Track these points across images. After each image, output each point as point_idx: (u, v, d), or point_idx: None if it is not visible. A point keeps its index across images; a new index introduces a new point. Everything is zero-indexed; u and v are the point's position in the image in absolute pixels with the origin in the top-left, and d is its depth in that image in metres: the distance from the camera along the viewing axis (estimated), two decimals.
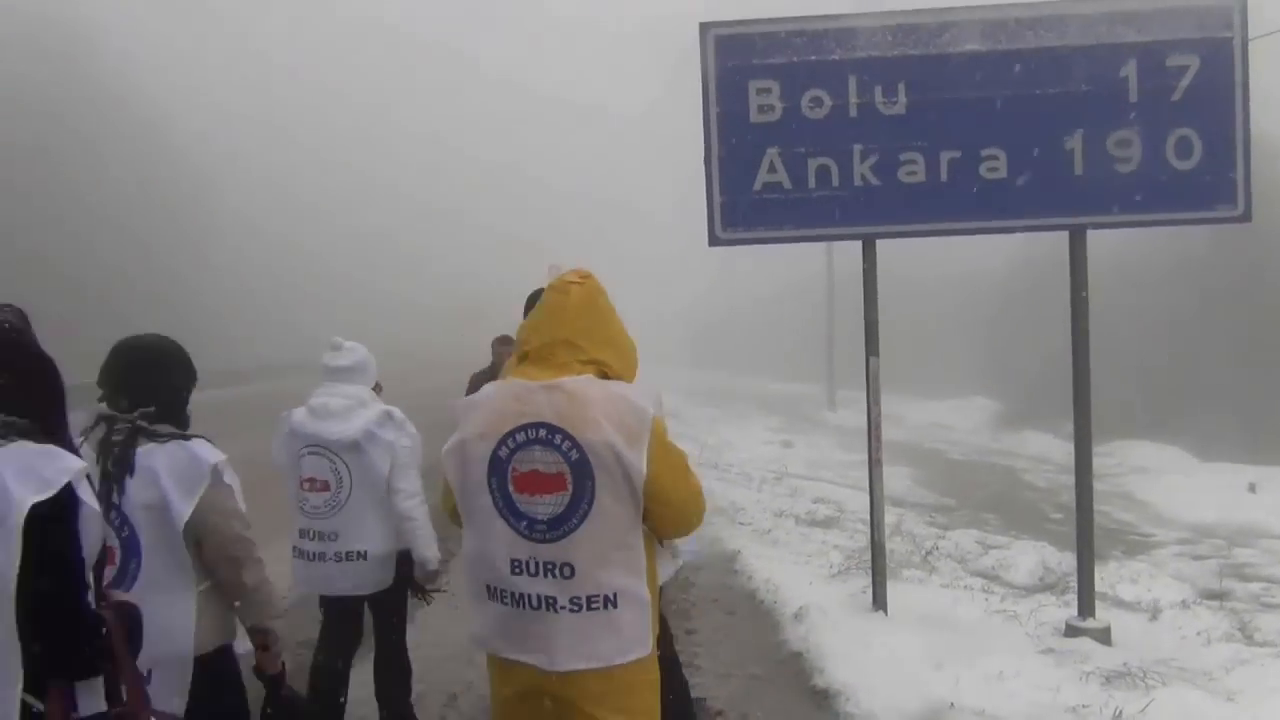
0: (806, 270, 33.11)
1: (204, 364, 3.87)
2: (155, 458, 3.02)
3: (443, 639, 6.22)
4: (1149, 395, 19.75)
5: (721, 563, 8.34)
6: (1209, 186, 6.04)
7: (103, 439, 3.03)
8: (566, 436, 2.68)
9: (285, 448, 4.65)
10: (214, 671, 3.10)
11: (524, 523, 2.73)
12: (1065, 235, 6.35)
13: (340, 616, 4.73)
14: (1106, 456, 17.13)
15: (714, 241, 6.37)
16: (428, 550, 4.60)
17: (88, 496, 2.14)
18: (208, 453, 3.07)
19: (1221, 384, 18.75)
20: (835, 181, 6.19)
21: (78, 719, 2.12)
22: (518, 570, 2.74)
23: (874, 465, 6.50)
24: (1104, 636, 6.22)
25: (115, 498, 2.95)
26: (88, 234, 30.10)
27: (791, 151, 6.19)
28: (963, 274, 28.97)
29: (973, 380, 28.16)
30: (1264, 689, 5.31)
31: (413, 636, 5.13)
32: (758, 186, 6.22)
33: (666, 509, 2.78)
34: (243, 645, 3.33)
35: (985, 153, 6.10)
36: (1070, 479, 6.48)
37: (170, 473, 3.01)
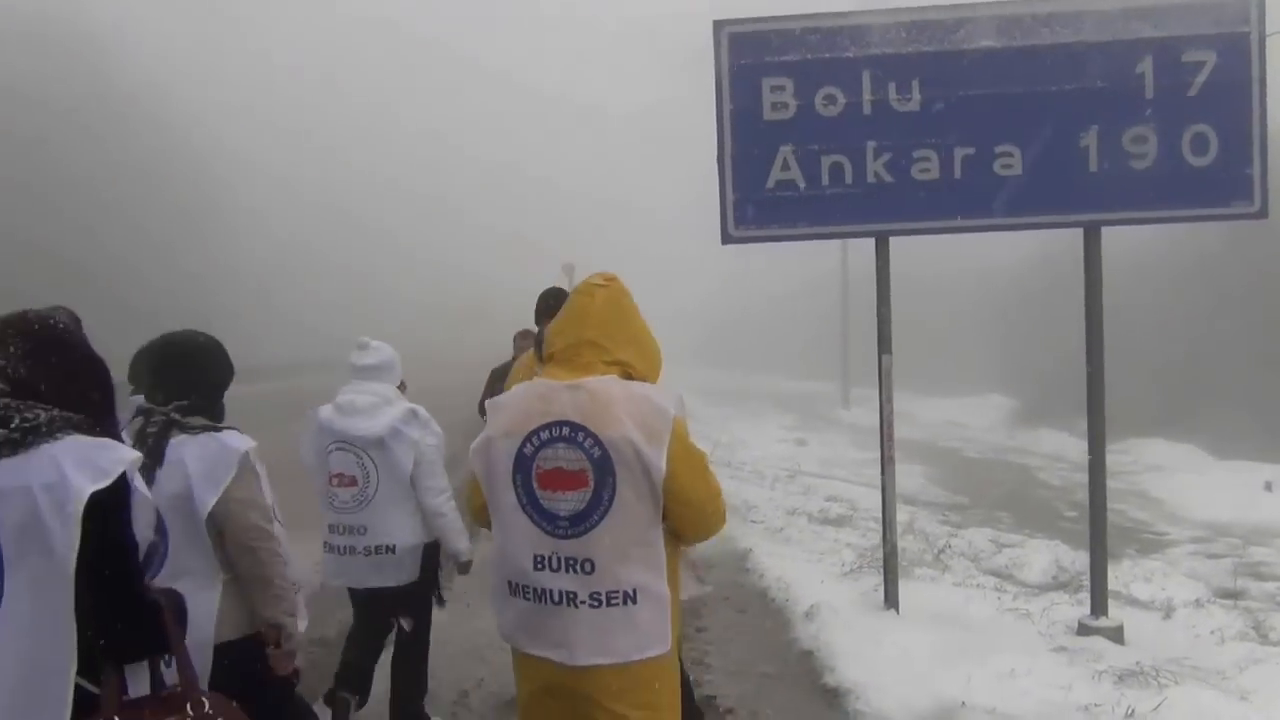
0: (821, 268, 33.08)
1: None
2: (186, 449, 3.11)
3: (454, 636, 6.25)
4: (1164, 393, 19.65)
5: (733, 561, 8.34)
6: (1225, 183, 5.99)
7: (139, 431, 3.14)
8: (589, 434, 2.75)
9: (313, 444, 4.75)
10: (234, 660, 3.13)
11: (547, 519, 2.79)
12: (1080, 232, 6.32)
13: (369, 610, 4.85)
14: (1121, 454, 17.07)
15: (727, 240, 6.36)
16: (460, 543, 4.77)
17: (140, 485, 2.26)
18: (237, 441, 3.16)
19: (1237, 382, 18.65)
20: (849, 179, 6.17)
21: (129, 700, 2.20)
22: (540, 566, 2.80)
23: (886, 463, 6.48)
24: (1117, 635, 6.20)
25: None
26: (96, 230, 30.25)
27: (805, 149, 6.18)
28: (978, 271, 28.91)
29: (988, 378, 28.10)
30: (1278, 688, 5.28)
31: None
32: (771, 184, 6.21)
33: (685, 508, 2.82)
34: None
35: (999, 149, 6.07)
36: (1085, 477, 6.45)
37: (198, 463, 3.09)
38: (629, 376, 2.89)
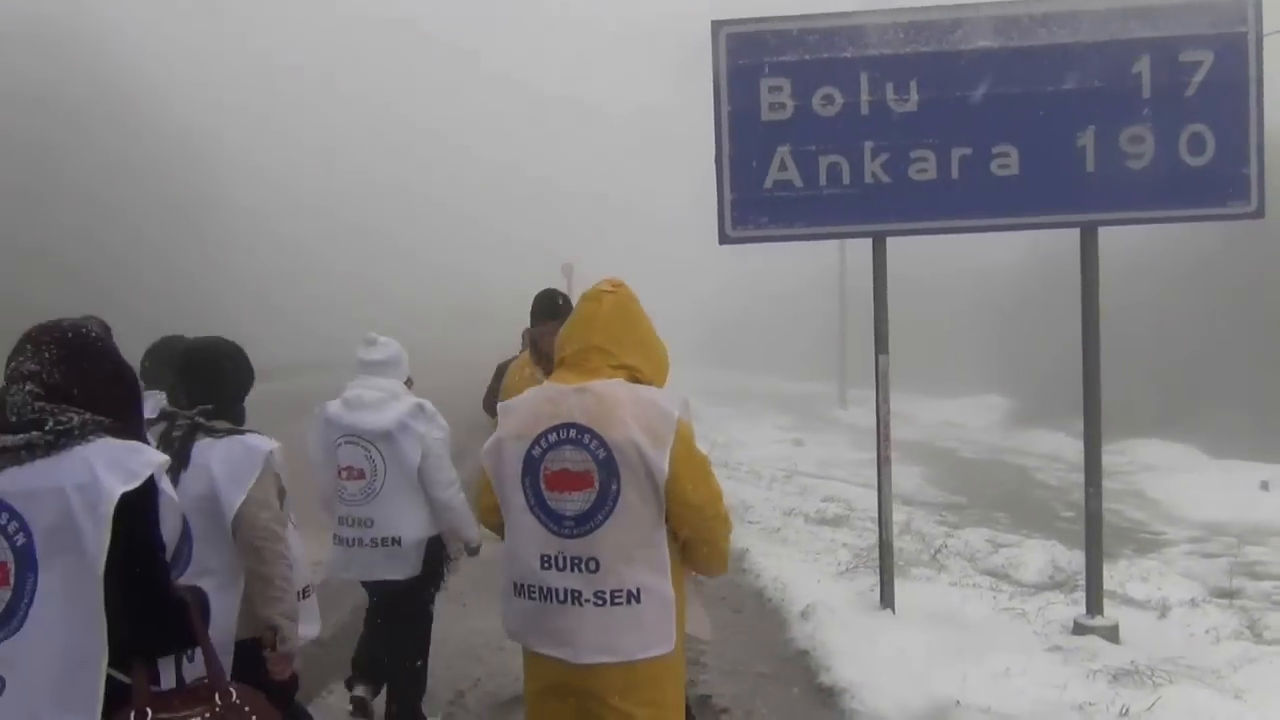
0: (819, 269, 33.08)
1: None
2: (211, 452, 3.21)
3: (450, 636, 6.25)
4: (1161, 393, 19.68)
5: (729, 561, 8.32)
6: (1222, 183, 6.00)
7: (163, 434, 3.23)
8: (595, 436, 2.83)
9: (321, 438, 4.82)
10: (256, 657, 3.17)
11: (554, 519, 2.87)
12: (1077, 232, 6.33)
13: (381, 603, 4.92)
14: (1118, 454, 17.08)
15: (724, 240, 6.37)
16: (470, 531, 4.84)
17: (167, 487, 2.37)
18: (261, 442, 3.27)
19: (1234, 382, 18.68)
20: (846, 179, 6.18)
21: (158, 692, 2.31)
22: (546, 565, 2.88)
23: (883, 463, 6.49)
24: (1112, 634, 6.21)
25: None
26: (94, 231, 30.21)
27: (802, 149, 6.18)
28: (976, 272, 28.93)
29: (985, 378, 28.12)
30: (1272, 687, 5.29)
31: None
32: (768, 184, 6.21)
33: (686, 510, 2.87)
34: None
35: (997, 150, 6.08)
36: (1081, 477, 6.46)
37: (223, 465, 3.18)
38: (636, 380, 2.97)
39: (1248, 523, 12.19)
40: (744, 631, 6.66)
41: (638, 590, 2.84)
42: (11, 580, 2.19)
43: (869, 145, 6.14)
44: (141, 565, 2.26)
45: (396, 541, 4.71)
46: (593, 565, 2.83)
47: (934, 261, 25.08)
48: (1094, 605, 6.36)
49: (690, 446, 2.89)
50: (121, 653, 2.23)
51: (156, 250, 34.15)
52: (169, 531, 2.37)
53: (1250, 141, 5.96)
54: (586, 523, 2.84)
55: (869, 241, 6.51)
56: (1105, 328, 6.37)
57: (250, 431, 3.34)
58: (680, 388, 3.19)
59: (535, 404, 2.97)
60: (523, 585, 2.93)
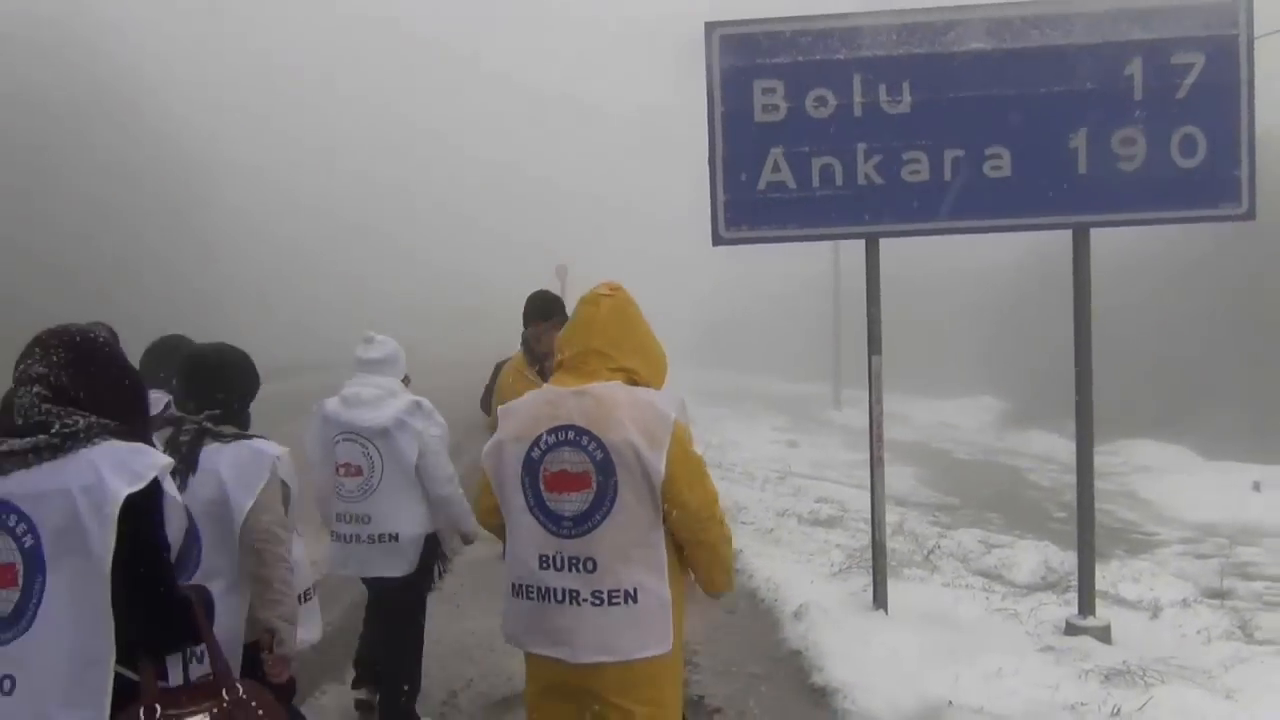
0: (813, 270, 33.10)
1: None
2: (219, 457, 3.25)
3: (443, 637, 6.25)
4: (1154, 394, 19.73)
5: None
6: (1213, 185, 6.01)
7: (170, 438, 3.27)
8: (592, 438, 2.88)
9: (319, 435, 4.86)
10: (255, 661, 3.20)
11: (552, 520, 2.91)
12: (1070, 234, 6.35)
13: (382, 599, 4.95)
14: (1111, 455, 17.13)
15: (717, 241, 6.38)
16: (468, 523, 4.88)
17: (171, 489, 2.41)
18: (269, 448, 3.31)
19: (1227, 383, 18.74)
20: (839, 181, 6.18)
21: (165, 688, 2.36)
22: (545, 565, 2.92)
23: (875, 464, 6.50)
24: (1104, 635, 6.22)
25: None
26: (92, 233, 30.15)
27: (795, 151, 6.19)
28: (970, 273, 28.98)
29: (979, 380, 28.17)
30: (1263, 687, 5.31)
31: None
32: (762, 186, 6.22)
33: (682, 511, 2.91)
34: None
35: (989, 151, 6.09)
36: (1074, 478, 6.48)
37: (232, 469, 3.22)
38: (634, 382, 3.01)
39: (1240, 523, 12.24)
40: (737, 632, 6.67)
41: (635, 590, 2.87)
42: (20, 581, 2.23)
43: (862, 147, 6.15)
44: (146, 565, 2.30)
45: (394, 538, 4.74)
46: (590, 565, 2.87)
47: (929, 263, 25.15)
48: (1086, 606, 6.38)
49: (686, 449, 2.93)
50: (129, 651, 2.27)
51: (155, 252, 34.09)
52: (173, 532, 2.41)
53: (1241, 143, 5.98)
54: (584, 523, 2.88)
55: (863, 243, 6.52)
56: (1099, 329, 6.39)
57: (257, 437, 3.38)
58: (675, 388, 3.21)
59: (535, 406, 3.02)
60: (521, 586, 2.97)
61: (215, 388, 3.43)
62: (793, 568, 8.08)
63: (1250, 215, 6.05)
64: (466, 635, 6.52)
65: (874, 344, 6.51)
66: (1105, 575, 8.15)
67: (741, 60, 6.22)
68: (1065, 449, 16.11)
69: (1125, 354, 18.71)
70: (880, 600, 6.60)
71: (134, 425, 2.47)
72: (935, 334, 30.48)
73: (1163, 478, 15.69)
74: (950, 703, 5.14)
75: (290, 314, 44.16)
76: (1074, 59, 6.03)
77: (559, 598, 2.90)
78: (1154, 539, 11.69)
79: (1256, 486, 13.99)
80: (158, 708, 2.28)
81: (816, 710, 5.32)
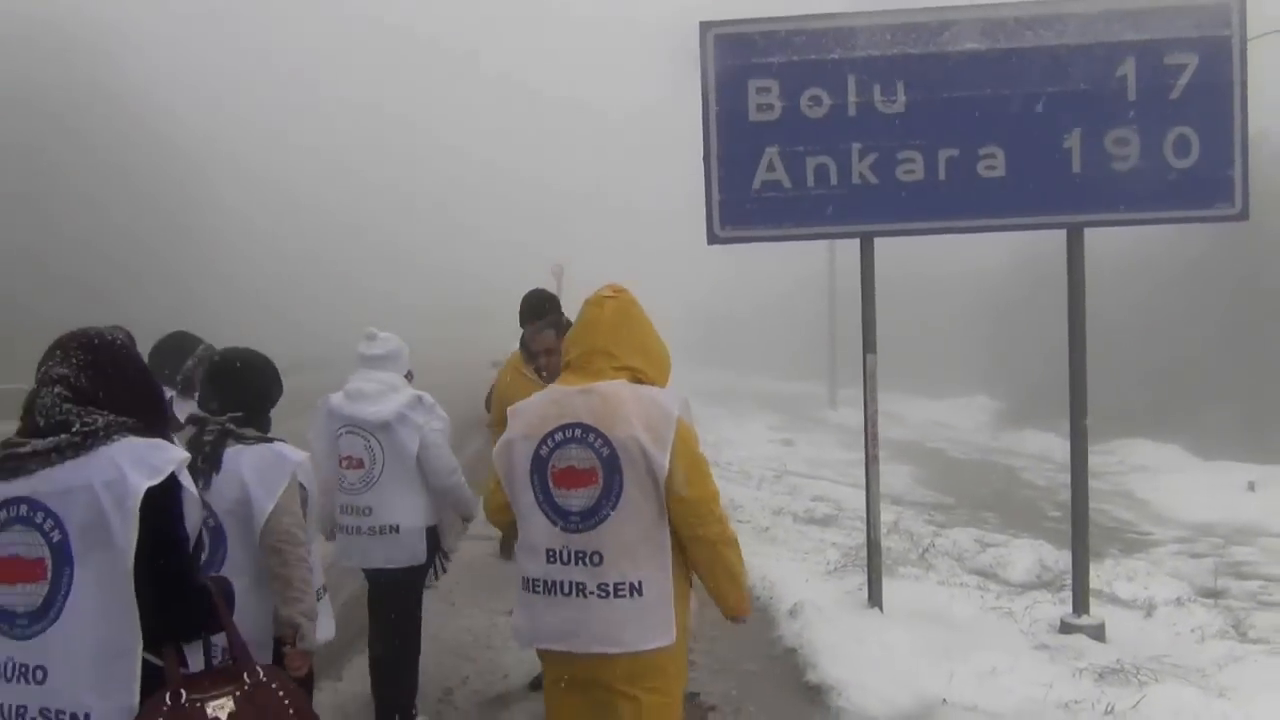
0: (809, 270, 33.14)
1: None
2: (241, 459, 3.34)
3: (440, 634, 6.26)
4: (1150, 394, 19.76)
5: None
6: (1207, 185, 6.04)
7: (193, 438, 3.36)
8: (599, 435, 2.98)
9: (323, 429, 4.94)
10: (277, 655, 3.27)
11: (560, 515, 3.01)
12: (1064, 234, 6.37)
13: (381, 592, 4.98)
14: (1107, 455, 17.17)
15: (713, 240, 6.39)
16: (471, 507, 5.01)
17: (188, 483, 2.48)
18: (291, 453, 3.41)
19: (1222, 382, 18.78)
20: (834, 180, 6.20)
21: (188, 674, 2.44)
22: (552, 559, 3.02)
23: (870, 463, 6.52)
24: (1098, 633, 6.25)
25: (202, 492, 3.12)
26: (90, 235, 30.14)
27: (790, 150, 6.21)
28: (965, 273, 29.02)
29: (975, 379, 28.22)
30: (1256, 685, 5.33)
31: None
32: (757, 185, 6.24)
33: (681, 505, 2.99)
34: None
35: (983, 151, 6.11)
36: (1069, 477, 6.50)
37: (255, 471, 3.31)
38: (639, 381, 3.11)
39: (1234, 523, 12.27)
40: (732, 629, 6.63)
41: (639, 583, 2.97)
42: (49, 575, 2.33)
43: (856, 146, 6.16)
44: (167, 555, 2.39)
45: (394, 529, 4.81)
46: (596, 559, 2.96)
47: (925, 263, 25.19)
48: (1080, 604, 6.40)
49: (689, 445, 3.02)
50: (151, 638, 2.36)
51: (153, 252, 34.09)
52: (191, 524, 2.49)
53: (1234, 144, 6.00)
54: (591, 518, 2.97)
55: (857, 242, 6.53)
56: (1094, 329, 6.40)
57: (278, 440, 3.47)
58: (673, 387, 3.25)
59: (542, 405, 3.11)
60: (530, 580, 3.08)
61: (239, 390, 3.53)
62: (788, 566, 8.09)
63: (1243, 215, 6.08)
64: (463, 633, 6.54)
65: (869, 344, 6.53)
66: (1100, 574, 8.17)
67: (736, 60, 6.23)
68: (1061, 448, 16.13)
69: (1121, 354, 18.76)
70: (875, 598, 6.62)
71: (151, 422, 2.56)
72: (931, 334, 30.53)
73: (1158, 477, 15.72)
74: (945, 700, 5.16)
75: (289, 313, 44.20)
76: (1068, 59, 6.06)
77: (566, 591, 2.99)
78: (1149, 538, 11.71)
79: (1251, 486, 14.02)
80: (183, 693, 2.37)
81: (811, 708, 5.34)
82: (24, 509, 2.36)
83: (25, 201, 27.31)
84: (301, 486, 3.43)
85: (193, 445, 3.29)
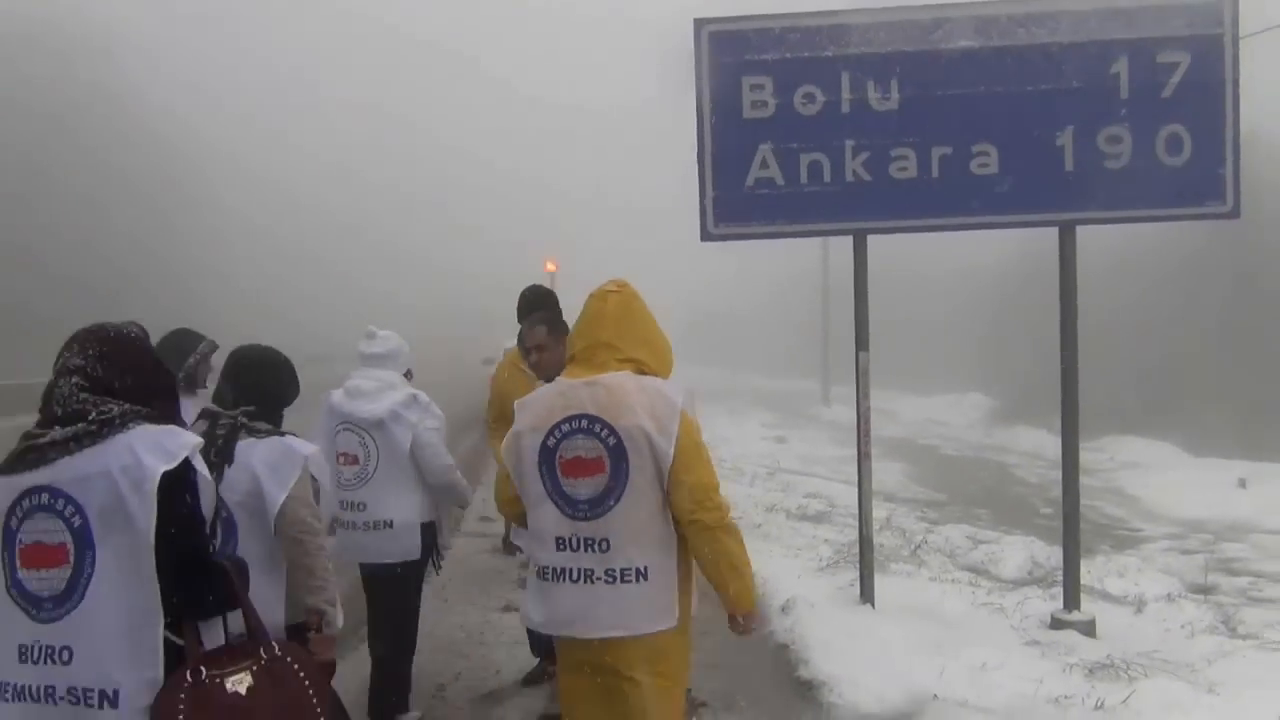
0: (803, 267, 33.18)
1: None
2: (254, 451, 3.41)
3: (433, 630, 6.27)
4: (1142, 391, 19.83)
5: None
6: (1198, 183, 6.05)
7: (206, 432, 3.41)
8: (605, 425, 3.08)
9: (324, 426, 5.03)
10: (301, 641, 3.31)
11: (568, 504, 3.12)
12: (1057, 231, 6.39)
13: (376, 587, 5.04)
14: (1098, 452, 17.23)
15: (706, 237, 6.40)
16: (466, 494, 5.25)
17: (201, 467, 2.58)
18: (302, 446, 3.50)
19: (1213, 380, 18.84)
20: (827, 177, 6.21)
21: (208, 651, 2.52)
22: (562, 547, 3.13)
23: (863, 459, 6.53)
24: (1089, 629, 6.27)
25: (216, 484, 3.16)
26: (86, 235, 30.09)
27: (784, 147, 6.21)
28: (959, 271, 29.08)
29: (968, 376, 28.27)
30: (1245, 680, 5.36)
31: None
32: (750, 182, 6.24)
33: (680, 490, 3.08)
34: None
35: (976, 149, 6.12)
36: (1061, 474, 6.53)
37: (266, 463, 3.39)
38: (642, 372, 3.20)
39: (1225, 520, 12.33)
40: (724, 625, 6.68)
41: (645, 568, 3.08)
42: (71, 559, 2.43)
43: (850, 144, 6.17)
44: (184, 536, 2.48)
45: (388, 525, 4.87)
46: (604, 545, 3.07)
47: (918, 261, 25.25)
48: (1071, 601, 6.42)
49: (691, 433, 3.12)
50: (171, 617, 2.45)
51: (152, 253, 34.06)
52: (206, 506, 2.59)
53: (1226, 142, 6.02)
54: (599, 506, 3.08)
55: (851, 240, 6.54)
56: (1087, 326, 6.42)
57: (289, 434, 3.55)
58: (675, 379, 3.31)
59: (549, 398, 3.21)
60: (541, 568, 3.20)
61: (254, 384, 3.61)
62: (781, 562, 8.11)
63: (1235, 214, 6.10)
64: (455, 629, 6.55)
65: (862, 341, 6.54)
66: (1091, 570, 8.21)
67: (730, 57, 6.23)
68: (1053, 445, 16.16)
69: (1113, 351, 18.81)
70: (867, 594, 6.64)
71: (164, 411, 2.65)
72: (925, 331, 30.58)
73: (1149, 474, 15.78)
74: (936, 696, 5.18)
75: (288, 313, 44.19)
76: (1061, 57, 6.07)
77: (574, 577, 3.10)
78: (1140, 535, 11.76)
79: (1242, 483, 14.08)
80: (203, 669, 2.46)
81: (803, 703, 5.36)
82: (45, 497, 2.45)
83: (24, 201, 27.25)
84: (313, 478, 3.50)
85: (206, 439, 3.32)
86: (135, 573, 2.41)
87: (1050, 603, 6.88)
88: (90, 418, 2.49)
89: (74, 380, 2.56)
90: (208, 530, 2.61)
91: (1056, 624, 6.35)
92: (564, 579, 3.12)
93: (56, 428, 2.51)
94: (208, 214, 41.45)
